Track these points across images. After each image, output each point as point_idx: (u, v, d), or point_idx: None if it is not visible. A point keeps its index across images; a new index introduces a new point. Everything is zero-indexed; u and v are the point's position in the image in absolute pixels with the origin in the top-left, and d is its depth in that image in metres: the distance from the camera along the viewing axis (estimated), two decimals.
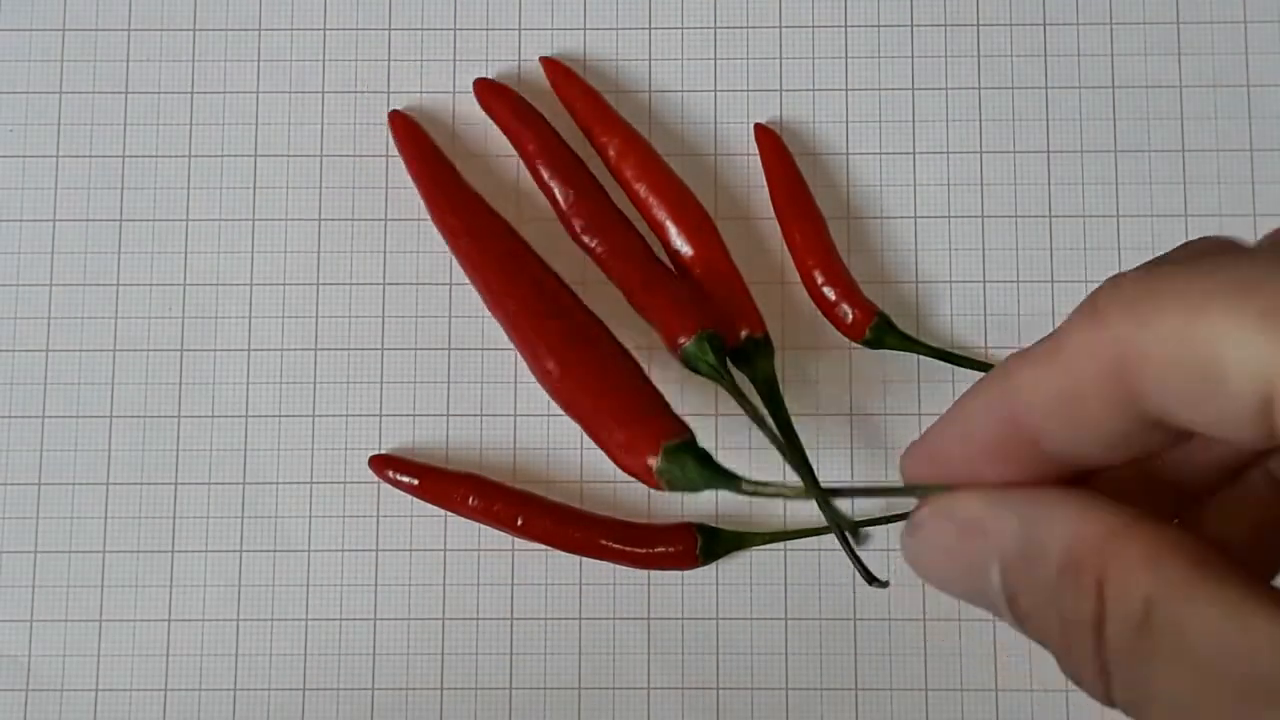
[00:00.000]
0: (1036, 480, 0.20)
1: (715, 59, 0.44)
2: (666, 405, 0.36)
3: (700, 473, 0.34)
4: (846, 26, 0.44)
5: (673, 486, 0.35)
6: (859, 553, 0.38)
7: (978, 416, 0.20)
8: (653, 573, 0.41)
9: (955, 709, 0.41)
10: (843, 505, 0.41)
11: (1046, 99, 0.44)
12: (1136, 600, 0.17)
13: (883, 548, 0.42)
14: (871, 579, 0.38)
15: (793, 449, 0.40)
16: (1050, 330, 0.19)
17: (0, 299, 0.43)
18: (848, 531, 0.37)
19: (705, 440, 0.42)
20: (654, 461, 0.34)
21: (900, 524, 0.41)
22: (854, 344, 0.42)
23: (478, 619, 0.42)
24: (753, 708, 0.41)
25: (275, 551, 0.42)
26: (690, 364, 0.38)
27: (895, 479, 0.42)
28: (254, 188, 0.43)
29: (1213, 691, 0.16)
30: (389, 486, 0.42)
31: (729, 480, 0.33)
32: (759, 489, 0.31)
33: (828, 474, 0.41)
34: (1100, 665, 0.17)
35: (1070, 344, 0.18)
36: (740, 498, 0.42)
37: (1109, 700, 0.18)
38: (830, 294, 0.42)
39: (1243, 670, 0.16)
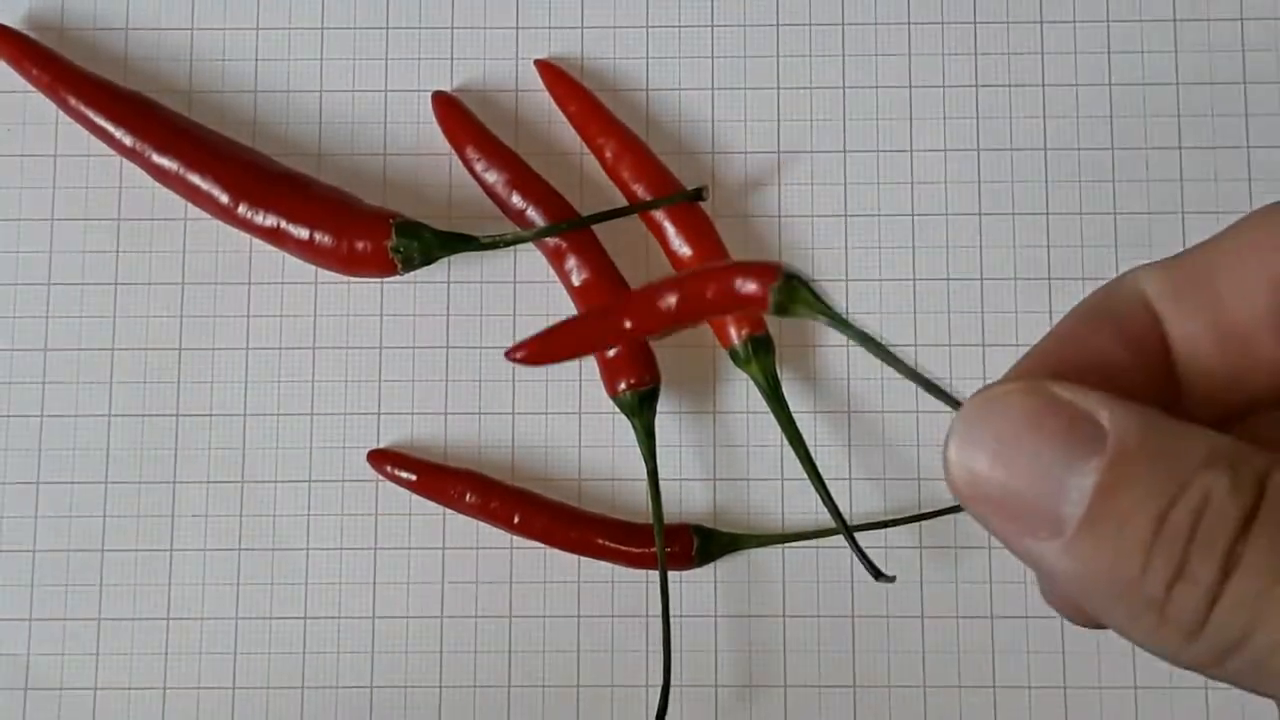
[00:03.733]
0: None
1: (713, 58, 0.44)
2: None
3: (435, 239, 0.39)
4: (844, 24, 0.44)
5: (408, 263, 0.39)
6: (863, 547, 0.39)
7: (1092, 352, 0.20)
8: (650, 571, 0.41)
9: (954, 706, 0.41)
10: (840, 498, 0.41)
11: (1043, 96, 0.44)
12: None
13: (881, 545, 0.42)
14: (878, 574, 0.38)
15: (798, 446, 0.40)
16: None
17: (0, 299, 0.43)
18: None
19: (703, 437, 0.43)
20: (389, 241, 0.39)
21: (899, 527, 0.41)
22: (854, 344, 0.42)
23: (476, 617, 0.42)
24: (751, 706, 0.41)
25: (274, 550, 0.42)
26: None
27: (895, 477, 0.43)
28: None
29: None
30: (387, 485, 0.42)
31: (465, 240, 0.39)
32: (497, 240, 0.39)
33: (826, 472, 0.41)
34: (1222, 568, 0.16)
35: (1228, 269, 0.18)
36: (738, 496, 0.42)
37: (1203, 610, 0.17)
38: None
39: None
